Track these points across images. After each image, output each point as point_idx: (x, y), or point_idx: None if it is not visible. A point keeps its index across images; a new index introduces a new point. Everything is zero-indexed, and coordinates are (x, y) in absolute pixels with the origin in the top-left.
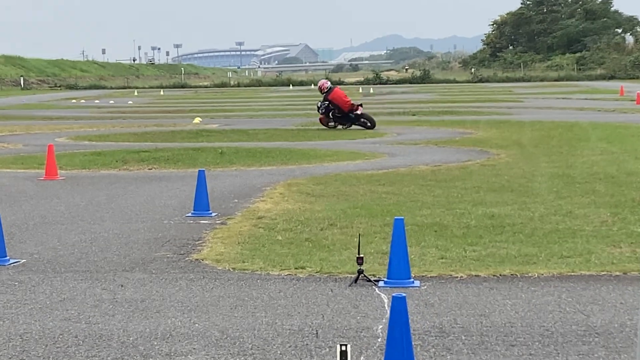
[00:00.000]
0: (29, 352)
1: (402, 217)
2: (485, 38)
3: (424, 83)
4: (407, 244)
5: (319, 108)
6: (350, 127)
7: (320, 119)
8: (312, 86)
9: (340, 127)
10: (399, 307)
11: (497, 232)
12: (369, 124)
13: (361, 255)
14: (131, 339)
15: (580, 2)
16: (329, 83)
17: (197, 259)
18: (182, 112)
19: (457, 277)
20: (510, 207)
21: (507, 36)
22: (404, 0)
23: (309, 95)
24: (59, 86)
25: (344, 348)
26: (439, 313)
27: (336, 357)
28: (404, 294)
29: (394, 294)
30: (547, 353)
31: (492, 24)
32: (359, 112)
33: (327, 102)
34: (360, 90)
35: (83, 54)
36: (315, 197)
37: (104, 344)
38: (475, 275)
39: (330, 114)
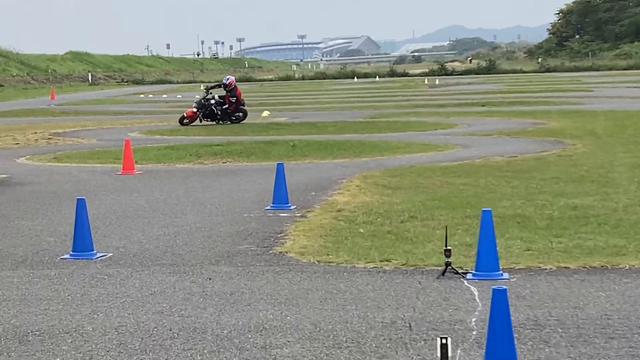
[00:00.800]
0: (126, 345)
1: (490, 209)
2: (550, 27)
3: (490, 74)
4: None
5: (205, 103)
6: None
7: (190, 114)
8: (377, 78)
9: (208, 123)
10: (499, 300)
11: (582, 223)
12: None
13: (449, 248)
14: (225, 331)
15: None
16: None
17: (281, 252)
18: (249, 105)
19: (545, 269)
20: (593, 198)
21: (574, 25)
22: None
23: (374, 88)
24: (126, 81)
25: (444, 341)
26: (532, 306)
27: (436, 350)
28: (504, 287)
29: (494, 287)
30: None
31: (558, 13)
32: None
33: (230, 99)
34: (426, 82)
35: (147, 49)
36: (392, 190)
37: (198, 337)
38: (564, 267)
39: (215, 110)
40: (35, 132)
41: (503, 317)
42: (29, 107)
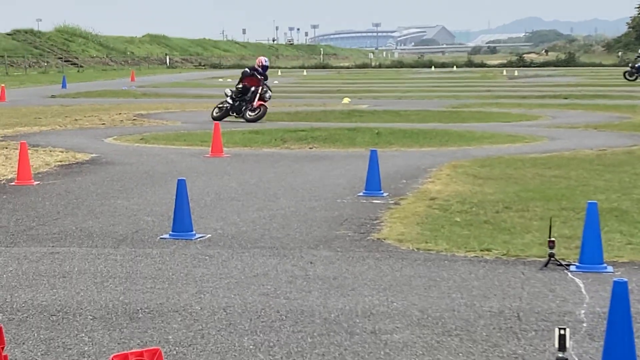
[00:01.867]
0: (236, 325)
1: (595, 202)
2: (630, 21)
3: (569, 66)
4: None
5: (249, 94)
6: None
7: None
8: (454, 68)
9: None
10: (620, 293)
11: None
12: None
13: (552, 239)
14: (332, 315)
15: None
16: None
17: (378, 239)
18: (329, 92)
19: None
20: None
21: None
22: None
23: (452, 77)
24: (203, 65)
25: (562, 332)
26: None
27: (554, 340)
28: (625, 279)
29: (615, 279)
30: None
31: (638, 7)
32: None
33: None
34: (505, 73)
35: (223, 33)
36: (483, 180)
37: (307, 320)
38: None
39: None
40: (120, 113)
41: (624, 310)
42: (110, 88)
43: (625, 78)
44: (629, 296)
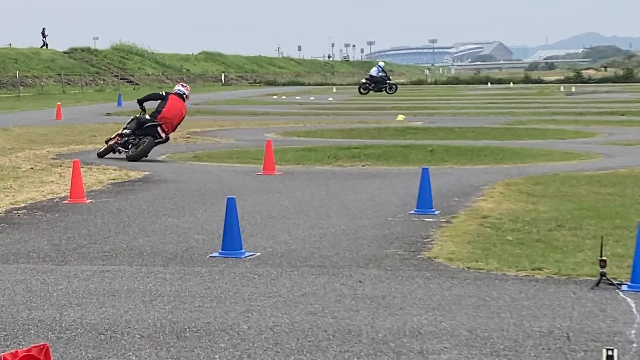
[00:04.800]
0: (282, 345)
1: None
2: None
3: (627, 82)
4: None
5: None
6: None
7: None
8: (511, 84)
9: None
10: None
11: None
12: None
13: (604, 258)
14: (380, 335)
15: None
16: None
17: (429, 257)
18: (383, 109)
19: None
20: None
21: None
22: None
23: (509, 94)
24: (258, 82)
25: (610, 353)
26: None
27: None
28: None
29: None
30: None
31: None
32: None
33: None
34: (562, 89)
35: (278, 50)
36: (536, 197)
37: (354, 340)
38: None
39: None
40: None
41: None
42: None
43: (360, 92)
44: None
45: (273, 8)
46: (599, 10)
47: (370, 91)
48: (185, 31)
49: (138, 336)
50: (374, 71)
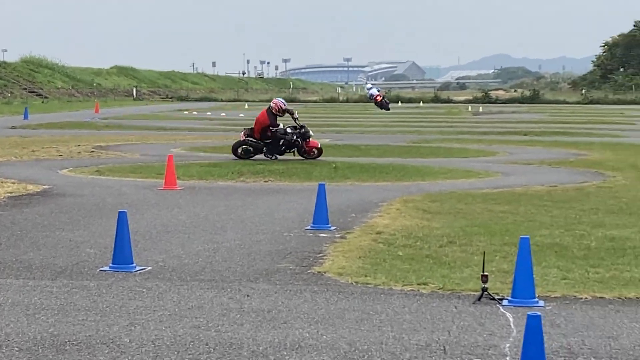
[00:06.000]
0: (162, 358)
1: (528, 236)
2: (595, 59)
3: (534, 103)
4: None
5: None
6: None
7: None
8: (421, 103)
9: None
10: (534, 326)
11: (619, 254)
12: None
13: (486, 274)
14: (261, 348)
15: None
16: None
17: (319, 272)
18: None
19: (581, 298)
20: (631, 230)
21: (619, 58)
22: (513, 20)
23: (418, 113)
24: (171, 97)
25: None
26: (566, 334)
27: None
28: (539, 313)
29: (529, 312)
30: None
31: (603, 45)
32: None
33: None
34: (470, 109)
35: (193, 66)
36: (432, 214)
37: (234, 352)
38: (599, 297)
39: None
40: (79, 145)
41: (536, 343)
42: (73, 119)
43: None
44: (556, 330)
45: (188, 24)
46: (509, 32)
47: None
48: (98, 45)
49: (17, 349)
50: None
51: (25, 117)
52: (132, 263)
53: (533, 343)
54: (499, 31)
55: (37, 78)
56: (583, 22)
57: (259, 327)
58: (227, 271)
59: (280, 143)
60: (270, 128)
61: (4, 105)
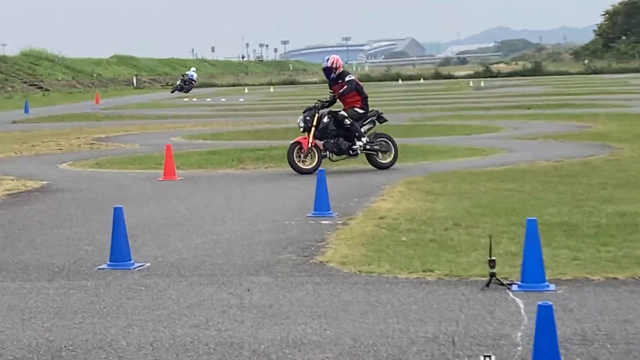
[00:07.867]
0: None
1: (535, 218)
2: (597, 28)
3: (536, 75)
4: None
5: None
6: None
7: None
8: (421, 80)
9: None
10: (545, 317)
11: (630, 231)
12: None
13: (493, 258)
14: (262, 347)
15: None
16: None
17: (321, 262)
18: (293, 109)
19: (593, 280)
20: None
21: (620, 26)
22: None
23: (419, 90)
24: (171, 85)
25: (487, 359)
26: (580, 319)
27: None
28: (550, 303)
29: (539, 302)
30: None
31: (604, 14)
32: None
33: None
34: (471, 84)
35: (193, 52)
36: (435, 196)
37: (235, 352)
38: (612, 278)
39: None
40: (79, 137)
41: (549, 334)
42: (73, 111)
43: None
44: (569, 315)
45: (186, 10)
46: (508, 4)
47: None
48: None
49: (11, 357)
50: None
51: (26, 111)
52: (130, 260)
53: (545, 334)
54: (498, 3)
55: (37, 71)
56: None
57: (260, 324)
58: (227, 264)
59: None
60: None
61: (5, 100)
